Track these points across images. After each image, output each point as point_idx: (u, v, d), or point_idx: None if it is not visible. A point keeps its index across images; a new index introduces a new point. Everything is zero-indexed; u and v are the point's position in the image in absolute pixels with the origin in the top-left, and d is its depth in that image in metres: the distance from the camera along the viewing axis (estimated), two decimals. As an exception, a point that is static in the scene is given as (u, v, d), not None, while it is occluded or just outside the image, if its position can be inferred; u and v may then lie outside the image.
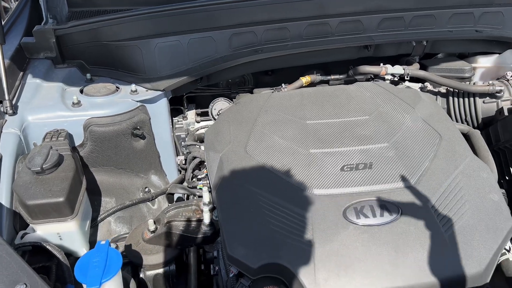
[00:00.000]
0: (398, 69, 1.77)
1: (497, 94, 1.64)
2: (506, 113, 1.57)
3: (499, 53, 1.94)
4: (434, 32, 1.85)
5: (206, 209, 1.31)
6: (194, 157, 1.57)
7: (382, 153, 1.34)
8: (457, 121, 1.77)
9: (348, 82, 1.86)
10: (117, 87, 1.73)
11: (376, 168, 1.28)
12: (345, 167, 1.29)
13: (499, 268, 1.32)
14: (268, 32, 1.77)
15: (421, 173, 1.27)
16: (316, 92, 1.66)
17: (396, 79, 1.86)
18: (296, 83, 1.80)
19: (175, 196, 1.77)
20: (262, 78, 2.16)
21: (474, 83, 1.78)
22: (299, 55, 1.83)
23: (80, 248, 1.36)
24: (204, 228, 1.32)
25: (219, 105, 1.89)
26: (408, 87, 1.90)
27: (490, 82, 1.69)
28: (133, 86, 1.71)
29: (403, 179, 1.25)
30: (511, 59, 1.80)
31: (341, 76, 1.88)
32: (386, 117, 1.49)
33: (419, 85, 1.88)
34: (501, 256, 1.33)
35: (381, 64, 1.80)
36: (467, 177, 1.28)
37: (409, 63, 1.92)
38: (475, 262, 1.08)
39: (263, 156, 1.35)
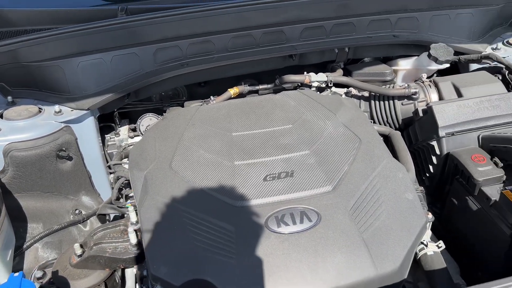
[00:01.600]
0: (321, 77, 1.82)
1: (413, 96, 1.73)
2: (421, 114, 1.65)
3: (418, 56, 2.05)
4: (354, 38, 1.92)
5: (131, 229, 1.29)
6: (119, 177, 1.55)
7: (304, 161, 1.38)
8: (380, 124, 1.84)
9: (277, 91, 1.90)
10: (40, 108, 1.68)
11: (297, 175, 1.32)
12: (268, 176, 1.32)
13: (419, 263, 1.40)
14: (192, 46, 1.78)
15: (340, 178, 1.32)
16: (242, 103, 1.68)
17: (324, 85, 1.92)
18: (224, 95, 1.82)
19: (111, 216, 1.74)
20: (196, 89, 2.16)
21: (393, 86, 1.87)
22: (226, 67, 1.85)
23: (2, 279, 1.31)
24: (131, 248, 1.31)
25: (147, 121, 1.88)
26: (334, 92, 1.97)
27: (406, 85, 1.78)
28: (57, 107, 1.67)
29: (323, 185, 1.29)
30: (427, 62, 1.90)
31: (269, 86, 1.91)
32: (308, 125, 1.54)
33: (345, 90, 1.95)
34: (420, 251, 1.41)
35: (305, 72, 1.85)
36: (384, 178, 1.34)
37: (333, 70, 1.98)
38: (390, 261, 1.13)
39: (188, 172, 1.35)
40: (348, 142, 1.47)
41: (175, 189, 1.30)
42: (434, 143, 1.60)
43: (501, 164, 1.46)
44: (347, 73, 2.03)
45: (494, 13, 2.21)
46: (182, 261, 1.12)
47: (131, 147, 1.81)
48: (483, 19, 2.16)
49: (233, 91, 1.83)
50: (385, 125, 1.83)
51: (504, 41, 2.17)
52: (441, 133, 1.54)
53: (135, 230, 1.30)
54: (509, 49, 2.11)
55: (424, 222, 1.25)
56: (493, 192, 1.40)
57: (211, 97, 1.82)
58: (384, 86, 1.90)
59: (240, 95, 1.89)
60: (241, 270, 1.10)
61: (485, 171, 1.43)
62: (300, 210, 1.22)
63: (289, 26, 1.84)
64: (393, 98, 1.79)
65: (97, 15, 1.83)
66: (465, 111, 1.55)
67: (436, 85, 1.75)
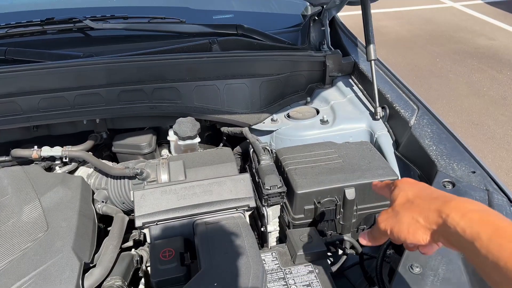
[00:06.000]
0: (57, 151, 1.69)
1: (138, 176, 1.62)
2: (132, 199, 1.53)
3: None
4: (104, 110, 1.81)
5: None
6: None
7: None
8: (117, 204, 1.71)
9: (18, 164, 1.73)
10: None
11: None
12: None
13: None
14: None
15: (-15, 283, 1.17)
16: None
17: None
18: None
19: None
20: None
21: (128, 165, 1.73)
22: None
23: None
24: None
25: None
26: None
27: (130, 164, 1.68)
28: None
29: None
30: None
31: (2, 158, 1.75)
32: (-3, 212, 1.39)
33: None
34: None
35: (35, 146, 1.69)
36: (43, 279, 1.22)
37: (86, 140, 1.86)
38: None
39: None
40: (30, 232, 1.34)
41: None
42: (146, 230, 1.49)
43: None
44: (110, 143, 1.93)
45: (278, 82, 2.17)
46: None
47: None
48: (264, 89, 2.11)
49: None
50: (121, 205, 1.71)
51: (285, 114, 2.11)
52: (138, 222, 1.42)
53: None
54: (286, 121, 2.05)
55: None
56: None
57: None
58: (131, 162, 1.77)
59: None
60: None
61: (166, 270, 1.32)
62: None
63: (23, 97, 1.71)
64: (124, 177, 1.67)
65: None
66: (170, 197, 1.45)
67: (168, 165, 1.65)
